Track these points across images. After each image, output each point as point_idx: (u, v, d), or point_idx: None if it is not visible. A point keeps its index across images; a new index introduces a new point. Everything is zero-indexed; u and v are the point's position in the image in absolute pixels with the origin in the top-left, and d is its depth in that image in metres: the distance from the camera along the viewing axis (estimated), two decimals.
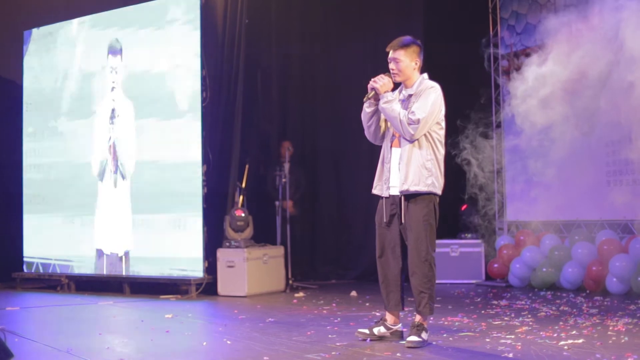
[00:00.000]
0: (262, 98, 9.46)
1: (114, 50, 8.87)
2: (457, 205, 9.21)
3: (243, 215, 8.24)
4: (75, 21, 9.30)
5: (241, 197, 8.45)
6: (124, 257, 8.63)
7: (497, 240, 8.95)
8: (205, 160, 8.14)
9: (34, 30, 9.66)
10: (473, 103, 8.41)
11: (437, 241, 8.64)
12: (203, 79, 8.18)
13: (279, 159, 9.26)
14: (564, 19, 7.84)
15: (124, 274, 8.61)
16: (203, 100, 8.16)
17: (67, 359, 4.70)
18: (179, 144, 8.28)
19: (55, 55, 9.45)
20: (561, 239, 8.39)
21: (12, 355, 4.05)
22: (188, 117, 8.22)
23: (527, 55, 8.57)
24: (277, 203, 8.95)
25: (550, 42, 8.02)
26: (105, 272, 8.77)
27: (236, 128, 8.47)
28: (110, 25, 8.95)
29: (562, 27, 7.84)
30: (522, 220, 9.02)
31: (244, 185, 8.54)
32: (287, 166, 8.98)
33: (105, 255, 8.79)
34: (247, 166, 8.67)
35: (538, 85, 8.30)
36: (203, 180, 8.10)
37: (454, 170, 8.43)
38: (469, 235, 9.04)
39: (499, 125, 9.09)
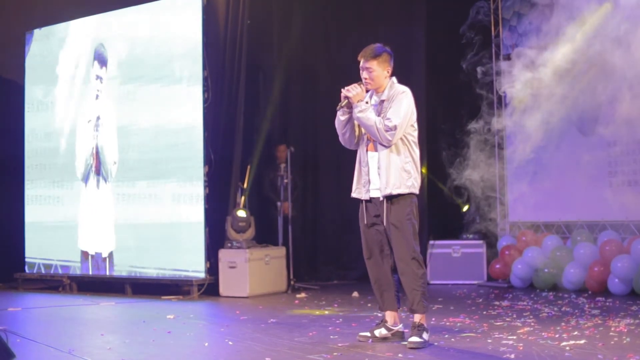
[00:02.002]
0: (263, 99, 9.46)
1: (100, 59, 8.90)
2: (460, 206, 9.21)
3: (245, 215, 8.24)
4: (77, 22, 9.31)
5: (243, 198, 8.45)
6: (107, 258, 8.65)
7: (499, 241, 8.95)
8: (207, 160, 8.14)
9: (36, 31, 9.67)
10: (475, 104, 8.41)
11: (439, 242, 8.80)
12: (205, 79, 8.18)
13: (274, 161, 9.27)
14: (564, 18, 7.84)
15: (107, 273, 8.65)
16: (205, 101, 8.16)
17: (68, 359, 4.70)
18: (181, 144, 8.28)
19: (56, 56, 9.46)
20: (563, 240, 8.38)
21: (14, 355, 4.05)
22: (190, 117, 8.22)
23: (530, 56, 8.57)
24: (278, 204, 8.96)
25: (551, 42, 8.03)
26: (90, 273, 8.83)
27: (238, 129, 8.48)
28: (110, 26, 8.96)
29: (563, 27, 7.85)
30: (524, 220, 9.02)
31: (245, 185, 8.54)
32: (282, 167, 9.00)
33: (90, 257, 8.82)
34: (248, 167, 8.68)
35: (539, 85, 8.31)
36: (205, 181, 8.10)
37: (456, 170, 8.45)
38: (471, 236, 9.04)
39: (501, 125, 9.08)
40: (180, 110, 8.32)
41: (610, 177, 8.13)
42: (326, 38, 9.99)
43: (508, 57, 9.14)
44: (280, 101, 9.63)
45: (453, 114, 8.66)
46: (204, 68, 8.18)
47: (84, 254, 8.91)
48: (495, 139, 8.92)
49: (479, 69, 8.36)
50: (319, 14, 9.95)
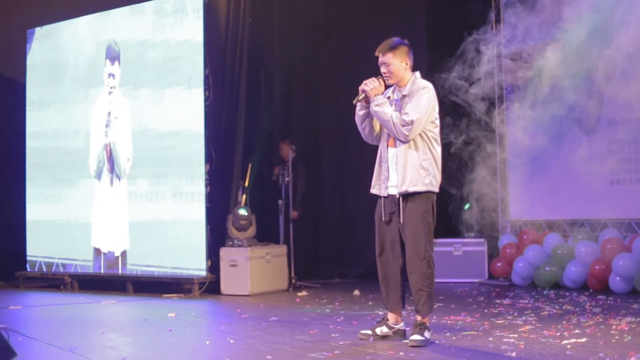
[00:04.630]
0: (265, 97, 9.46)
1: (112, 56, 8.89)
2: (461, 204, 9.20)
3: (246, 214, 8.24)
4: (78, 20, 9.31)
5: (244, 196, 8.45)
6: (120, 257, 8.65)
7: (500, 239, 8.95)
8: (209, 159, 8.14)
9: (37, 29, 9.67)
10: (477, 101, 8.41)
11: (441, 240, 8.79)
12: (206, 77, 8.18)
13: (281, 159, 9.26)
14: (565, 14, 7.83)
15: (120, 272, 8.64)
16: (206, 99, 8.17)
17: (70, 357, 4.70)
18: (182, 143, 8.29)
19: (58, 54, 9.46)
20: (564, 238, 8.38)
21: (15, 354, 4.05)
22: (191, 115, 8.22)
23: (531, 53, 8.56)
24: (279, 202, 8.95)
25: (552, 40, 8.03)
26: (102, 271, 8.81)
27: (239, 127, 8.49)
28: (113, 25, 8.96)
29: (565, 25, 7.84)
30: (525, 219, 9.02)
31: (246, 184, 8.55)
32: (289, 167, 8.98)
33: (102, 254, 8.81)
34: (250, 165, 8.68)
35: (541, 83, 8.30)
36: (206, 179, 8.11)
37: (457, 168, 8.44)
38: (472, 234, 9.04)
39: (502, 123, 9.08)
40: (181, 108, 8.33)
41: (612, 175, 8.12)
42: (327, 36, 9.99)
43: (509, 54, 9.13)
44: (282, 100, 9.63)
45: (454, 111, 8.65)
46: (205, 67, 8.18)
47: (97, 252, 8.90)
48: (496, 137, 8.91)
49: (480, 66, 8.37)
50: (320, 12, 9.95)
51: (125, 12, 8.90)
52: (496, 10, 9.24)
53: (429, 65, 9.18)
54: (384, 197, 5.08)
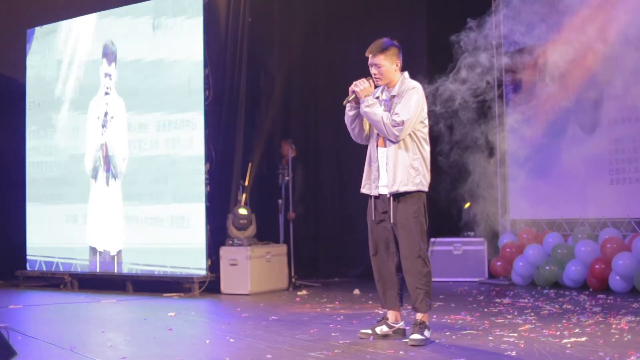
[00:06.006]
0: (264, 96, 9.47)
1: (109, 56, 8.89)
2: (461, 204, 9.21)
3: (246, 213, 8.24)
4: (78, 19, 9.32)
5: (244, 195, 8.46)
6: (116, 256, 8.66)
7: (500, 239, 8.94)
8: (209, 158, 8.15)
9: (37, 29, 9.67)
10: (476, 101, 8.41)
11: (440, 239, 8.80)
12: (206, 77, 8.18)
13: (280, 158, 9.26)
14: (566, 15, 7.83)
15: (115, 271, 8.64)
16: (206, 99, 8.17)
17: (70, 357, 4.70)
18: (182, 142, 8.29)
19: (57, 54, 9.46)
20: (564, 237, 8.38)
21: (15, 353, 4.05)
22: (191, 115, 8.22)
23: (531, 52, 8.56)
24: (279, 201, 8.95)
25: (553, 39, 8.03)
26: (98, 270, 8.83)
27: (239, 126, 8.50)
28: (113, 24, 8.97)
29: (565, 24, 7.84)
30: (525, 218, 9.01)
31: (247, 183, 8.55)
32: (289, 166, 8.98)
33: (98, 253, 8.82)
34: (250, 164, 8.68)
35: (541, 83, 8.30)
36: (206, 179, 8.11)
37: (458, 167, 8.44)
38: (472, 234, 9.04)
39: (502, 123, 9.08)
40: (181, 108, 8.33)
41: (612, 174, 8.12)
42: (327, 36, 9.98)
43: (509, 53, 9.13)
44: (282, 98, 9.62)
45: (454, 110, 8.65)
46: (205, 66, 8.18)
47: (93, 251, 8.91)
48: (496, 136, 8.92)
49: (479, 65, 8.37)
50: (320, 11, 9.94)
51: (125, 12, 8.90)
52: (496, 10, 9.23)
53: (429, 63, 9.20)
54: (375, 197, 5.10)
